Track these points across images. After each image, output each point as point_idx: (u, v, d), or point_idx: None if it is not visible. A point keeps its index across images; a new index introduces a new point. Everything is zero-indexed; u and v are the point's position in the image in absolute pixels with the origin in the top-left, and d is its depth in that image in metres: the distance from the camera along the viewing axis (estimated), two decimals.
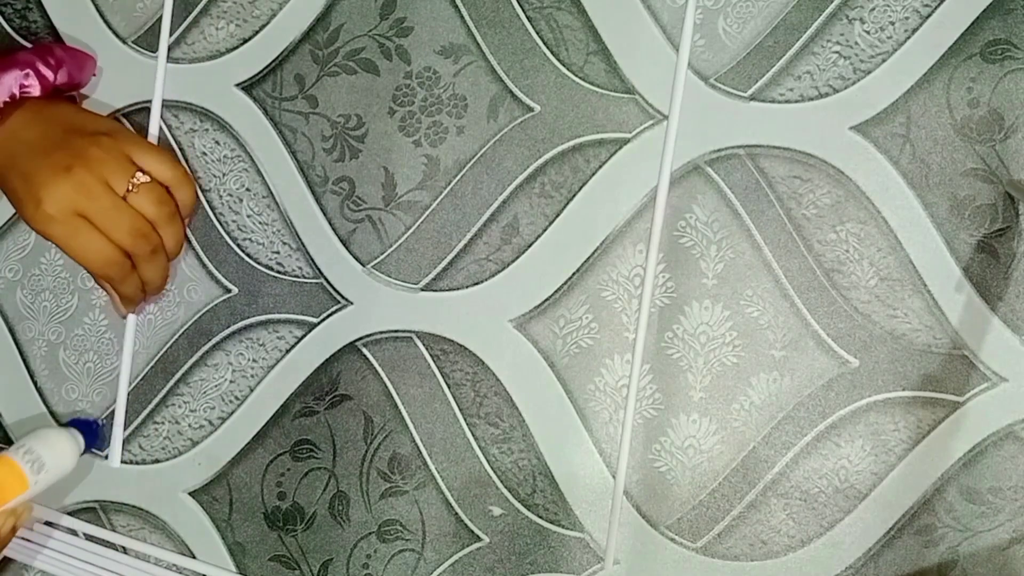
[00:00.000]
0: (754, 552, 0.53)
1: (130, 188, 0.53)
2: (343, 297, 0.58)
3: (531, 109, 0.55)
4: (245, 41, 0.59)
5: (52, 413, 0.61)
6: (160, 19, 0.60)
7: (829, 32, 0.52)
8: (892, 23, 0.51)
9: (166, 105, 0.60)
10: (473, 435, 0.56)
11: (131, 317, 0.59)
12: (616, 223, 0.54)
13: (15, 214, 0.61)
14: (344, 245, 0.58)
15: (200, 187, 0.59)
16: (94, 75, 0.60)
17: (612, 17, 0.54)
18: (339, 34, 0.57)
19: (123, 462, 0.60)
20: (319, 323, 0.58)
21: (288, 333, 0.58)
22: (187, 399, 0.59)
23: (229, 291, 0.59)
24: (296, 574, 0.58)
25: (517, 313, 0.55)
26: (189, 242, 0.59)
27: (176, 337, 0.60)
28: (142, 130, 0.59)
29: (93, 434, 0.58)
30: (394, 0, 0.57)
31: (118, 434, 0.60)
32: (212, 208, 0.59)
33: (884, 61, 0.51)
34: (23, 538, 0.61)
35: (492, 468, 0.56)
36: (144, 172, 0.54)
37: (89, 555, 0.60)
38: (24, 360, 0.62)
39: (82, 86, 0.59)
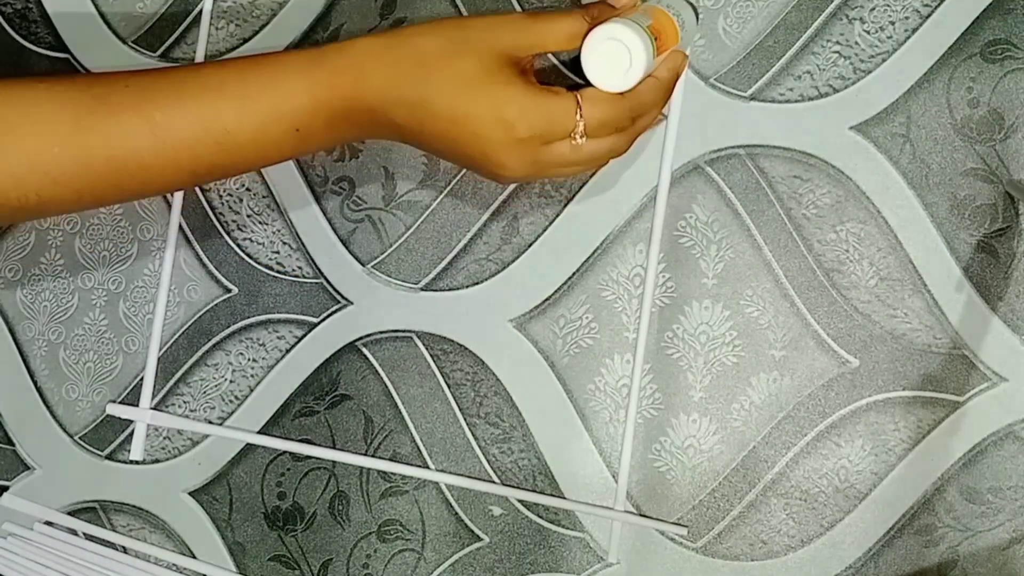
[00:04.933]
0: (754, 552, 0.53)
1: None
2: (343, 297, 0.58)
3: None
4: (245, 41, 0.59)
5: (52, 413, 0.61)
6: (157, 19, 0.60)
7: (829, 32, 0.52)
8: (892, 23, 0.51)
9: None
10: (473, 435, 0.56)
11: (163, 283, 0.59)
12: (616, 223, 0.54)
13: None
14: (344, 245, 0.58)
15: (201, 186, 0.59)
16: None
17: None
18: (339, 34, 0.57)
19: (122, 462, 0.60)
20: (319, 323, 0.58)
21: (288, 333, 0.58)
22: (187, 399, 0.59)
23: (229, 291, 0.59)
24: (296, 574, 0.58)
25: (517, 313, 0.55)
26: (189, 242, 0.59)
27: (176, 337, 0.60)
28: None
29: None
30: (394, 0, 0.57)
31: (140, 433, 0.60)
32: (212, 208, 0.59)
33: (884, 61, 0.51)
34: (22, 537, 0.61)
35: (492, 468, 0.56)
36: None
37: (89, 555, 0.60)
38: (24, 360, 0.61)
39: None
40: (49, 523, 0.61)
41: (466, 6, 0.56)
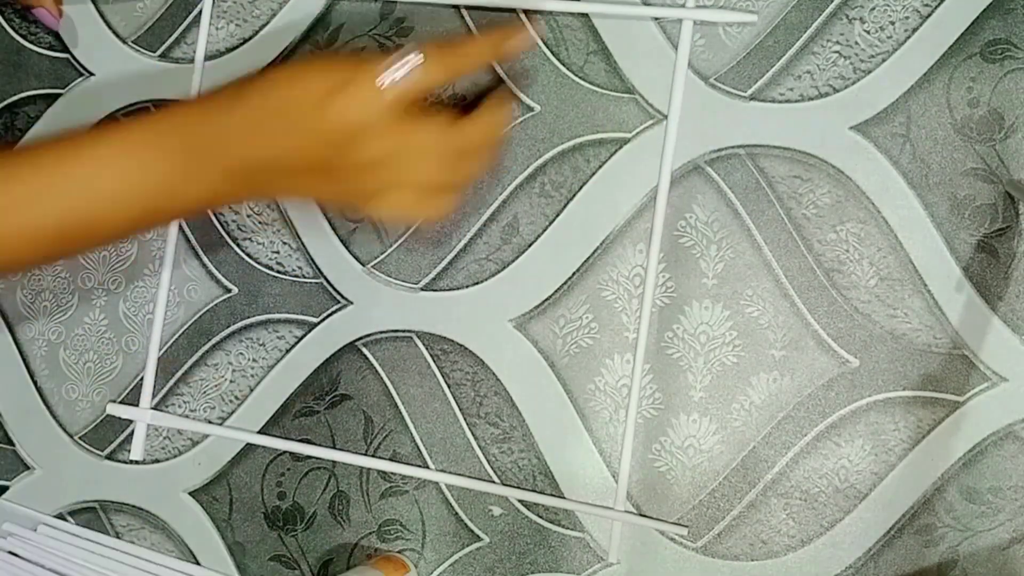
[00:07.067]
0: (754, 552, 0.53)
1: None
2: (343, 297, 0.58)
3: (531, 109, 0.55)
4: (245, 41, 0.59)
5: (52, 413, 0.61)
6: (157, 19, 0.60)
7: (829, 32, 0.52)
8: (892, 23, 0.51)
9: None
10: (473, 435, 0.56)
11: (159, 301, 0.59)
12: (616, 223, 0.54)
13: None
14: (344, 245, 0.58)
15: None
16: None
17: (612, 17, 0.54)
18: (339, 34, 0.57)
19: (122, 462, 0.60)
20: (319, 323, 0.58)
21: (288, 333, 0.58)
22: (187, 399, 0.59)
23: (229, 291, 0.59)
24: (296, 574, 0.58)
25: (517, 313, 0.55)
26: (189, 242, 0.59)
27: (176, 337, 0.60)
28: None
29: None
30: (394, 0, 0.57)
31: (140, 433, 0.60)
32: None
33: (884, 61, 0.51)
34: (22, 537, 0.61)
35: (492, 468, 0.56)
36: None
37: (89, 555, 0.60)
38: (24, 360, 0.62)
39: None
40: (49, 523, 0.61)
41: (468, 9, 0.56)
